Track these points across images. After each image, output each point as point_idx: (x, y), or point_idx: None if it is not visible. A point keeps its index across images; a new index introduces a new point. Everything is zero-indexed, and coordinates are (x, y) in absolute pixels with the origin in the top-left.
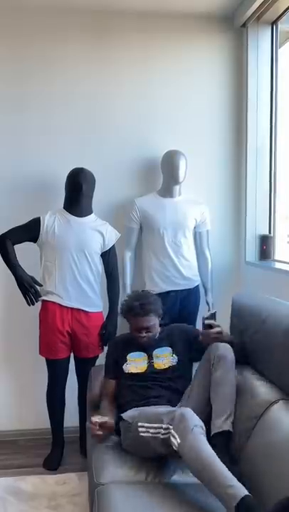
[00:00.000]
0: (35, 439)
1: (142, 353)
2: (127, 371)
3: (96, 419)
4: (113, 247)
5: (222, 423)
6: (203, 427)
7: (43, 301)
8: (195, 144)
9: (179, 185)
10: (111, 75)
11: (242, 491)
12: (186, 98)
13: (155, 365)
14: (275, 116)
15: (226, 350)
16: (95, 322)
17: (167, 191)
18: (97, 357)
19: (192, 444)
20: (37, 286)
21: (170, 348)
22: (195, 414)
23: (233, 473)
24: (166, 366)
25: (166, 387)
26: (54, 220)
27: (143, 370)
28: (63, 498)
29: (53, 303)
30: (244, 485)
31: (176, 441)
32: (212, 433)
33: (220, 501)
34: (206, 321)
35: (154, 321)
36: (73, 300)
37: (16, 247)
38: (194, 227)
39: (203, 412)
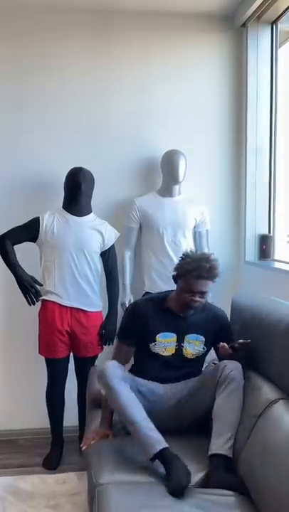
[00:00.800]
0: (34, 438)
1: (173, 334)
2: (153, 351)
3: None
4: (112, 247)
5: (222, 445)
6: (124, 379)
7: (43, 300)
8: (195, 143)
9: (179, 184)
10: (111, 74)
11: (161, 444)
12: (186, 97)
13: (184, 352)
14: (274, 116)
15: (236, 369)
16: (94, 321)
17: (167, 191)
18: (96, 356)
19: (114, 397)
20: (37, 286)
21: (203, 338)
22: (116, 367)
23: (231, 485)
24: (194, 356)
25: (186, 372)
26: (53, 220)
27: (170, 353)
28: (62, 497)
29: (53, 302)
30: (243, 484)
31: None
32: (210, 452)
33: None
34: (237, 345)
35: (209, 288)
36: (72, 299)
37: (16, 247)
38: (194, 227)
39: (202, 417)
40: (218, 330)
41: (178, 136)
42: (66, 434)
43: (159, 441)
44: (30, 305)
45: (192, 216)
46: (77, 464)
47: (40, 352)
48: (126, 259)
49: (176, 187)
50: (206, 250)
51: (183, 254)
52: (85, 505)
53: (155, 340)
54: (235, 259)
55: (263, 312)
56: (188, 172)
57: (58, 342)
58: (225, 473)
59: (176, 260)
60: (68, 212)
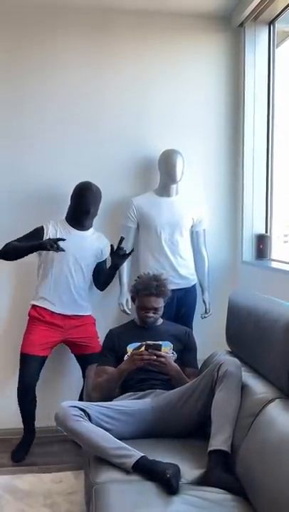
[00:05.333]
0: None
1: (141, 343)
2: None
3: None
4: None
5: (222, 442)
6: (81, 414)
7: (34, 305)
8: (192, 143)
9: (176, 184)
10: (109, 74)
11: (137, 453)
12: (184, 97)
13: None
14: (272, 116)
15: (232, 365)
16: (86, 321)
17: (164, 190)
18: (96, 353)
19: (76, 436)
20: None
21: (171, 344)
22: (69, 406)
23: (228, 484)
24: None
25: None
26: (56, 232)
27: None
28: (59, 496)
29: (45, 309)
30: (240, 485)
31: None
32: (211, 448)
33: (117, 466)
34: (150, 349)
35: (162, 304)
36: (66, 308)
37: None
38: (191, 227)
39: (197, 422)
40: (183, 346)
41: (175, 136)
42: (62, 433)
43: (130, 456)
44: (56, 251)
45: (189, 216)
46: (73, 463)
47: (23, 349)
48: None
49: (174, 186)
50: (203, 250)
51: (137, 277)
52: (81, 504)
53: (127, 352)
54: (232, 259)
55: (260, 311)
56: (186, 172)
57: (48, 343)
58: (223, 472)
59: (173, 259)
60: (71, 225)
